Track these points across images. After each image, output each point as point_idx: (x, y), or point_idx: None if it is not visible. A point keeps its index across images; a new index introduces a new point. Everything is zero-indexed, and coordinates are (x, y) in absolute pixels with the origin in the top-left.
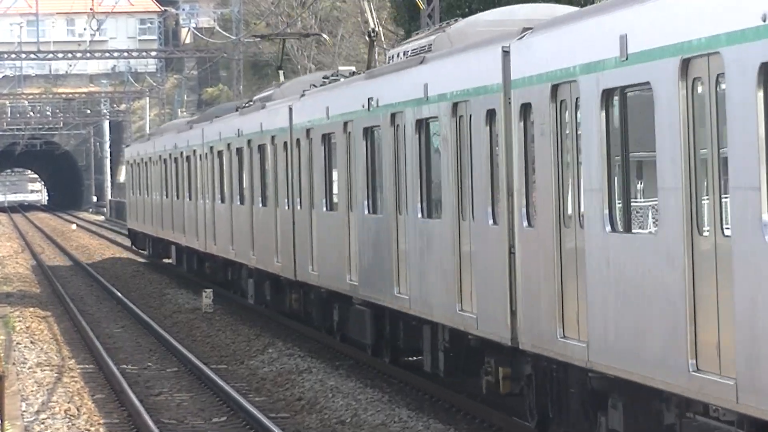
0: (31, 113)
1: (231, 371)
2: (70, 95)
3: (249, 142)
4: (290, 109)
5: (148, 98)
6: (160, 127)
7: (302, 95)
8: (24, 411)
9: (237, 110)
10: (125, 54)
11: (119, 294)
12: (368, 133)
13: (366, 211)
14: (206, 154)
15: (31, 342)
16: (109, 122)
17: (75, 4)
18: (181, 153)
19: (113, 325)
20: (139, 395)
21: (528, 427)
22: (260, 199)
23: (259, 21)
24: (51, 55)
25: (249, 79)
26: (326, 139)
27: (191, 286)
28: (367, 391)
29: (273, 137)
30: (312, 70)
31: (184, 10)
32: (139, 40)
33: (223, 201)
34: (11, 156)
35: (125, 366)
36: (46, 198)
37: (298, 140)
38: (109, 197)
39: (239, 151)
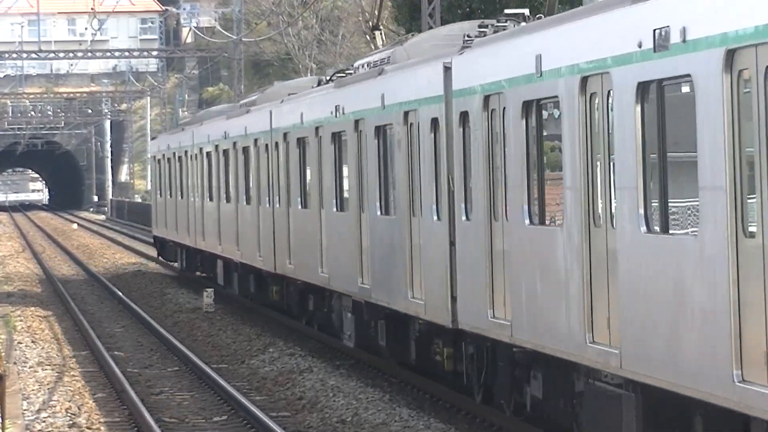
0: (33, 113)
1: (232, 370)
2: (72, 95)
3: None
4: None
5: (149, 98)
6: (198, 114)
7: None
8: (25, 410)
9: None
10: (126, 53)
11: (120, 293)
12: (336, 137)
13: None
14: (278, 143)
15: (32, 341)
16: (110, 122)
17: (76, 4)
18: (234, 144)
19: (114, 325)
20: (140, 394)
21: (528, 427)
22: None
23: (260, 20)
24: (52, 55)
25: (250, 79)
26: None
27: (192, 286)
28: (367, 391)
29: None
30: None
31: (185, 9)
32: (140, 39)
33: (306, 206)
34: (12, 155)
35: (126, 365)
36: (47, 197)
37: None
38: (110, 197)
39: (337, 136)
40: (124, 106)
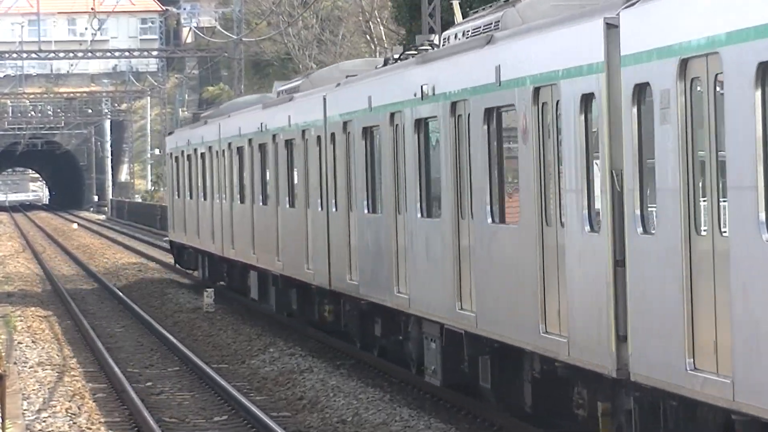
0: (33, 113)
1: (232, 370)
2: (72, 95)
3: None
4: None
5: (149, 98)
6: (222, 106)
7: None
8: (25, 410)
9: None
10: (126, 53)
11: (120, 293)
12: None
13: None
14: (334, 135)
15: (33, 341)
16: (111, 122)
17: (76, 4)
18: (275, 137)
19: (114, 325)
20: (141, 394)
21: (529, 428)
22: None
23: (260, 20)
24: (52, 55)
25: (250, 79)
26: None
27: (192, 286)
28: (368, 391)
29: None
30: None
31: (185, 9)
32: (141, 39)
33: (374, 210)
34: (12, 155)
35: (126, 365)
36: (48, 197)
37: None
38: (110, 197)
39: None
40: (124, 106)
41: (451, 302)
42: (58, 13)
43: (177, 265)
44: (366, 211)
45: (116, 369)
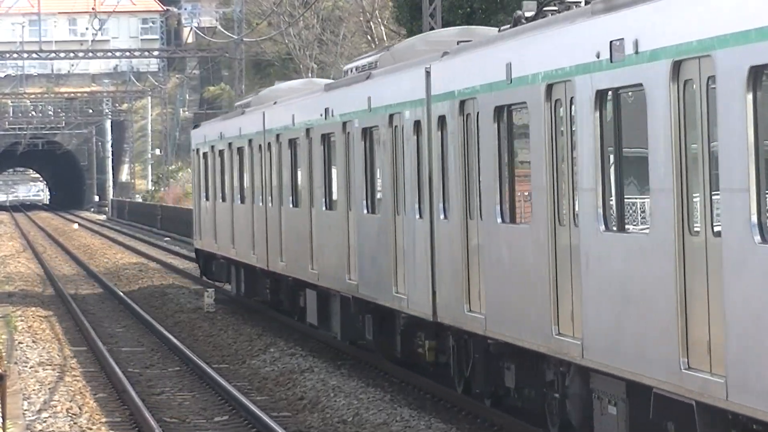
0: (33, 113)
1: (233, 370)
2: (72, 95)
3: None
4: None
5: (150, 98)
6: (262, 93)
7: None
8: (26, 410)
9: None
10: (127, 53)
11: (121, 293)
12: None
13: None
14: (445, 119)
15: (33, 341)
16: (111, 122)
17: (77, 4)
18: (345, 125)
19: (115, 325)
20: (141, 394)
21: (529, 427)
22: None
23: (261, 20)
24: (53, 55)
25: (251, 79)
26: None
27: (193, 286)
28: (368, 391)
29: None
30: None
31: (186, 9)
32: (141, 39)
33: (513, 219)
34: (13, 155)
35: (127, 365)
36: (48, 197)
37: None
38: (110, 197)
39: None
40: (125, 106)
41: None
42: (59, 13)
43: (204, 278)
44: (499, 219)
45: (117, 369)
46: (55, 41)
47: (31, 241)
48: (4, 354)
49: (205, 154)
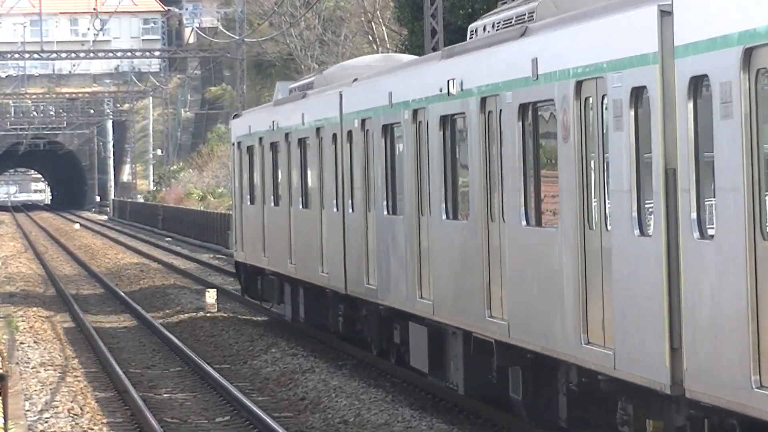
0: (35, 113)
1: (234, 371)
2: (74, 95)
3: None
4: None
5: (151, 98)
6: (327, 72)
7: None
8: (27, 410)
9: None
10: (128, 54)
11: (122, 294)
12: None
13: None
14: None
15: (35, 342)
16: (113, 122)
17: (78, 4)
18: (484, 102)
19: (116, 325)
20: (143, 395)
21: (530, 427)
22: None
23: (262, 21)
24: (54, 55)
25: (252, 79)
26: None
27: (194, 286)
28: (370, 391)
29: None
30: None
31: (187, 9)
32: (143, 39)
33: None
34: (15, 155)
35: (128, 366)
36: (50, 198)
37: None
38: (112, 197)
39: None
40: (126, 107)
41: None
42: (61, 13)
43: (246, 296)
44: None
45: (118, 369)
46: (57, 41)
47: (32, 242)
48: (5, 354)
49: (249, 149)
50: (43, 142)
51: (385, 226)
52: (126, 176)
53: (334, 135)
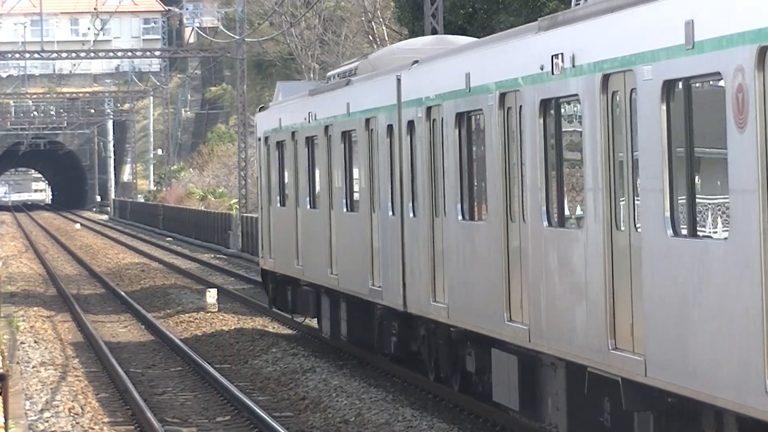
0: (35, 113)
1: (235, 370)
2: (74, 95)
3: None
4: (397, 81)
5: (151, 98)
6: (373, 57)
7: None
8: (28, 410)
9: None
10: (129, 54)
11: (123, 293)
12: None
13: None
14: None
15: (35, 341)
16: (113, 122)
17: (79, 4)
18: (606, 80)
19: (117, 325)
20: (143, 394)
21: (531, 427)
22: None
23: (262, 21)
24: (55, 55)
25: (253, 79)
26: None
27: (195, 286)
28: (371, 391)
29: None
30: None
31: (187, 9)
32: (143, 39)
33: None
34: (15, 155)
35: (129, 365)
36: (50, 197)
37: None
38: (112, 197)
39: None
40: (126, 106)
41: None
42: (61, 13)
43: (273, 307)
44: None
45: (119, 369)
46: (57, 41)
47: (33, 242)
48: (6, 354)
49: (279, 144)
50: (43, 141)
51: (459, 234)
52: (126, 176)
53: (389, 126)
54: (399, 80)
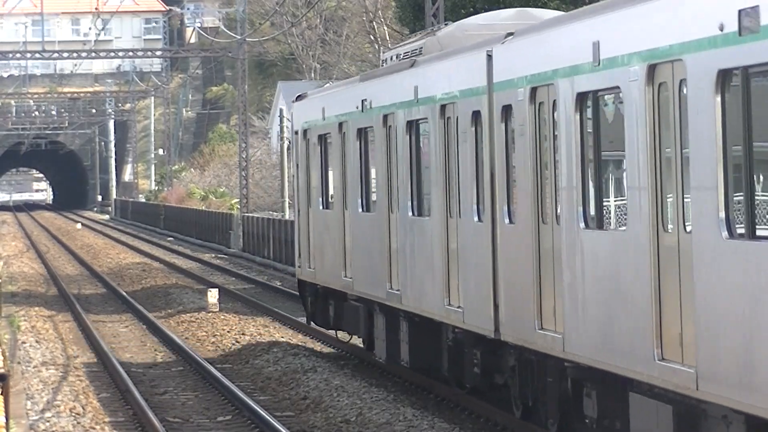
0: (37, 113)
1: (236, 370)
2: (75, 95)
3: None
4: (487, 57)
5: (152, 98)
6: (442, 33)
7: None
8: (29, 410)
9: None
10: (130, 53)
11: (124, 293)
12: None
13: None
14: None
15: (36, 341)
16: (114, 122)
17: (80, 4)
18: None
19: (118, 325)
20: (144, 394)
21: (532, 427)
22: None
23: (263, 20)
24: (56, 55)
25: (254, 79)
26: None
27: (196, 286)
28: (372, 390)
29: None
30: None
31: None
32: (144, 39)
33: None
34: (16, 155)
35: (130, 365)
36: (51, 197)
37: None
38: (113, 197)
39: None
40: (127, 106)
41: None
42: (62, 13)
43: (312, 322)
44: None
45: (120, 369)
46: (58, 41)
47: (34, 241)
48: (7, 353)
49: (322, 138)
50: (44, 141)
51: (585, 246)
52: (128, 176)
53: (476, 114)
54: (490, 57)
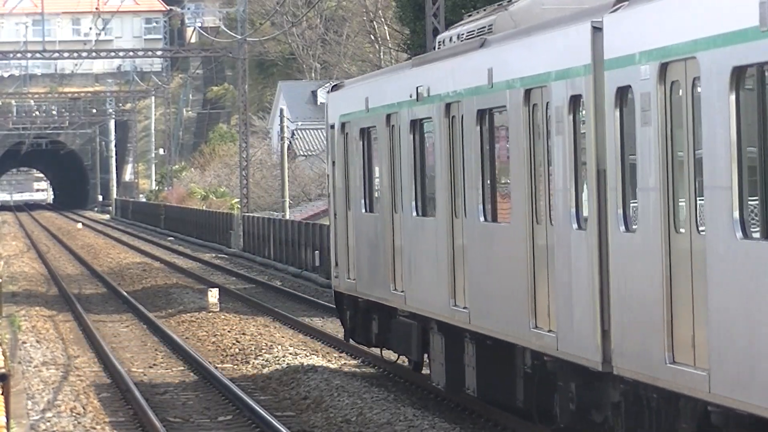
0: (37, 112)
1: (237, 370)
2: (76, 95)
3: None
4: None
5: (153, 97)
6: (515, 8)
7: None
8: (30, 409)
9: None
10: (131, 53)
11: (125, 293)
12: (416, 126)
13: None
14: None
15: (37, 341)
16: (115, 121)
17: (81, 4)
18: None
19: (119, 325)
20: (145, 394)
21: (533, 427)
22: None
23: (264, 20)
24: (57, 55)
25: (254, 78)
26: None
27: (196, 286)
28: (372, 390)
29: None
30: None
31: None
32: (145, 39)
33: None
34: (17, 155)
35: (131, 365)
36: (52, 197)
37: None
38: (114, 196)
39: None
40: (128, 106)
41: None
42: (63, 13)
43: (351, 339)
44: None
45: (120, 368)
46: (59, 41)
47: (34, 241)
48: (8, 353)
49: (365, 132)
50: (45, 141)
51: (739, 259)
52: (128, 176)
53: (574, 99)
54: (597, 30)
